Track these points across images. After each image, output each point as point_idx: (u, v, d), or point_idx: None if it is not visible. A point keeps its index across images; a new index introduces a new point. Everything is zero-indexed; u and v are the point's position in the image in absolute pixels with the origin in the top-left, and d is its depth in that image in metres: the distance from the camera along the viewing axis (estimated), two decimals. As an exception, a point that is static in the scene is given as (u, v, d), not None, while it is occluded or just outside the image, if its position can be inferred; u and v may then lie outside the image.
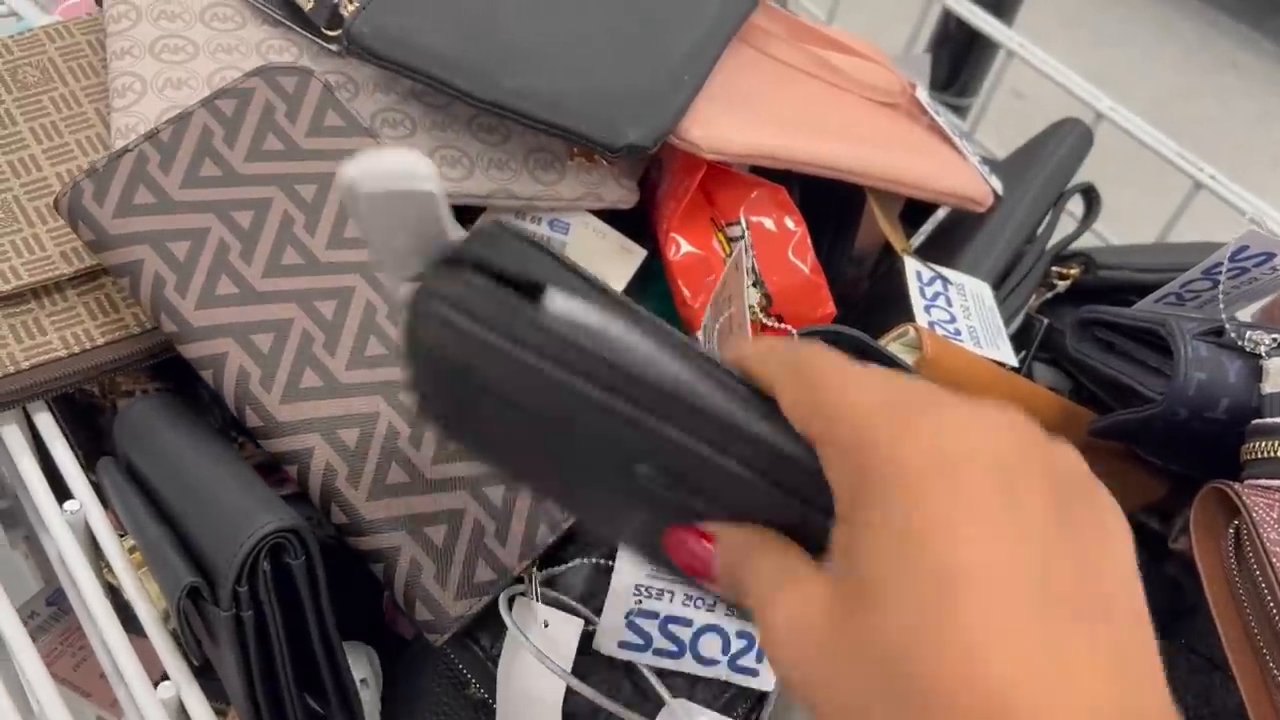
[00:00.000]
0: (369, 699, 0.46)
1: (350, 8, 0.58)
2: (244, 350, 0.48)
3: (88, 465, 0.56)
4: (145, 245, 0.48)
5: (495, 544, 0.48)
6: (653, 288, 0.63)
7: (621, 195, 0.61)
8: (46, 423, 0.51)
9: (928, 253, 0.69)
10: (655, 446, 0.28)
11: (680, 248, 0.61)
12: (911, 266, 0.63)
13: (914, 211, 0.75)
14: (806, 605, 0.25)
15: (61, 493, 0.50)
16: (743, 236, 0.61)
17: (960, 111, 1.00)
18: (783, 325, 0.61)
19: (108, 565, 0.48)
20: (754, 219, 0.61)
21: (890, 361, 0.51)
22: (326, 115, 0.54)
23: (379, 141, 0.55)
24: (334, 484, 0.47)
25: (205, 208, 0.50)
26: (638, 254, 0.62)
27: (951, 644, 0.22)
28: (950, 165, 0.68)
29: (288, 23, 0.59)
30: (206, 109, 0.52)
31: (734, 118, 0.61)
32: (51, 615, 0.67)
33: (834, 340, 0.51)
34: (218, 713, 0.45)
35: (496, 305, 0.28)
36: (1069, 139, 0.73)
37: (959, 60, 1.00)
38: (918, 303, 0.61)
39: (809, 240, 0.61)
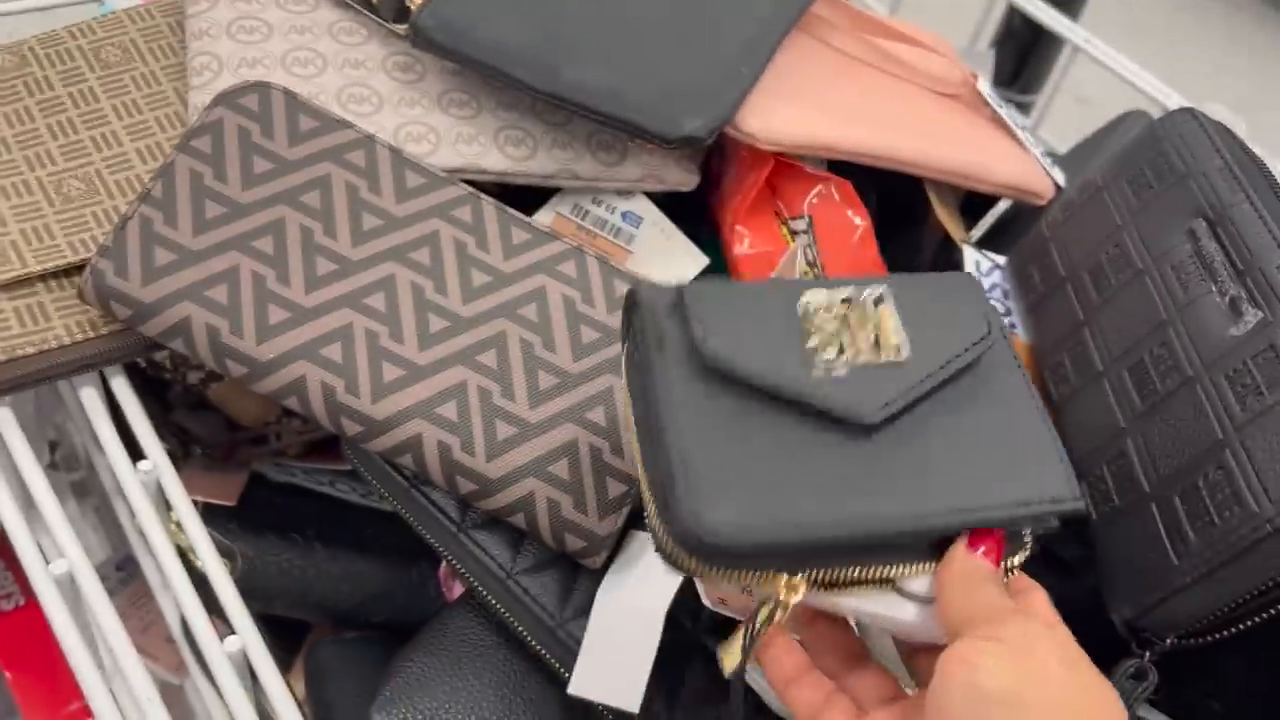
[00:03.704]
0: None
1: (416, 1, 0.59)
2: (320, 367, 0.48)
3: (159, 434, 0.57)
4: (186, 302, 0.48)
5: (614, 459, 0.49)
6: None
7: (682, 178, 0.62)
8: (121, 386, 0.53)
9: (987, 246, 0.69)
10: None
11: (746, 242, 0.61)
12: (970, 256, 0.63)
13: (974, 205, 0.75)
14: None
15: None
16: (807, 230, 0.61)
17: (1023, 109, 0.99)
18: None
19: (177, 524, 0.50)
20: (818, 213, 0.61)
21: None
22: (300, 120, 0.54)
23: (355, 129, 0.55)
24: (452, 458, 0.48)
25: (226, 246, 0.50)
26: (700, 261, 0.62)
27: None
28: (1011, 157, 0.68)
29: (357, 6, 0.61)
30: (184, 153, 0.52)
31: (791, 109, 0.61)
32: (119, 580, 0.69)
33: None
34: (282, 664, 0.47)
35: None
36: (1132, 132, 0.72)
37: (1023, 56, 0.99)
38: (975, 292, 0.61)
39: (873, 234, 0.61)
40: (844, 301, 0.39)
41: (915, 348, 0.38)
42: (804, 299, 0.39)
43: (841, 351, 0.38)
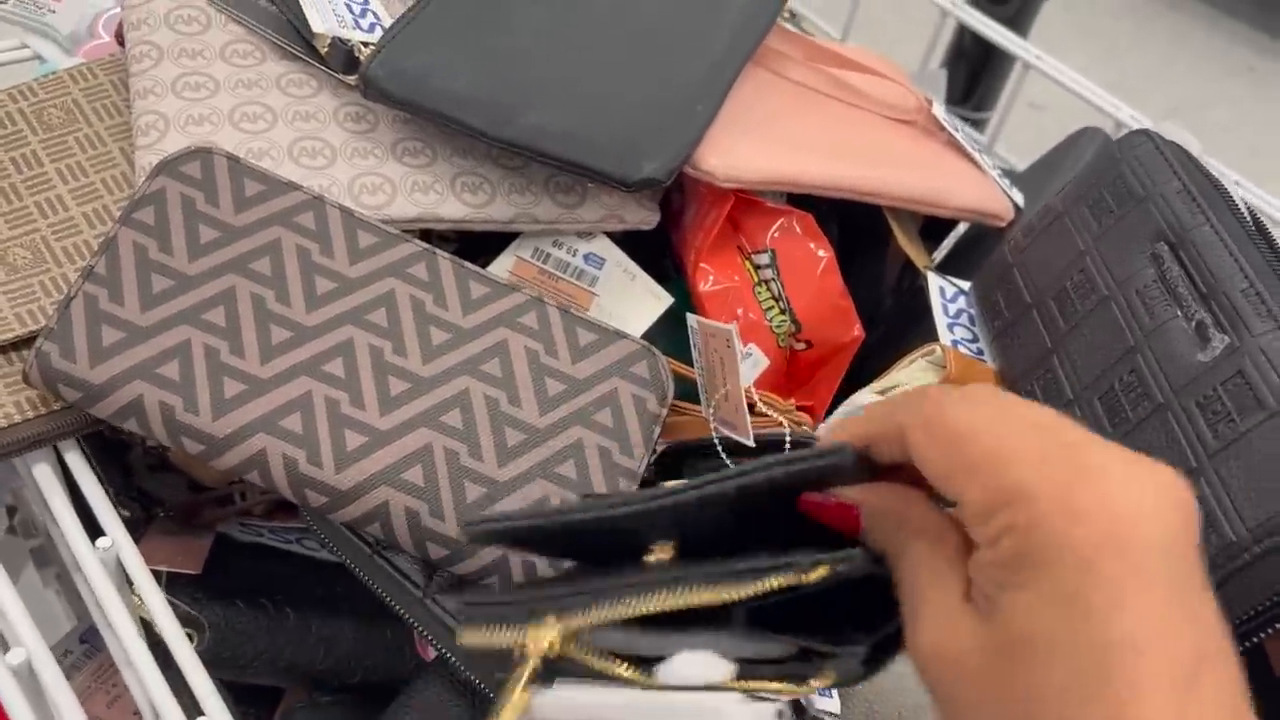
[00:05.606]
0: None
1: (365, 51, 0.59)
2: (280, 439, 0.47)
3: (118, 502, 0.56)
4: (137, 381, 0.47)
5: None
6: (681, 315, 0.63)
7: (643, 216, 0.61)
8: (76, 460, 0.51)
9: (949, 269, 0.69)
10: None
11: (710, 279, 0.61)
12: (935, 283, 0.63)
13: (934, 227, 0.75)
14: (954, 636, 0.27)
15: (93, 530, 0.51)
16: (770, 265, 0.61)
17: (978, 125, 1.00)
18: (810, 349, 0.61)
19: (140, 599, 0.49)
20: (781, 246, 0.61)
21: None
22: (245, 185, 0.53)
23: (303, 190, 0.53)
24: (421, 524, 0.47)
25: (176, 321, 0.48)
26: (664, 300, 0.61)
27: (1099, 707, 0.24)
28: (969, 181, 0.68)
29: (306, 58, 0.60)
30: (128, 226, 0.50)
31: (749, 144, 0.61)
32: (84, 653, 0.67)
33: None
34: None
35: None
36: (1089, 149, 0.73)
37: (975, 74, 1.00)
38: (941, 321, 0.61)
39: (836, 265, 0.61)
40: None
41: None
42: None
43: None
